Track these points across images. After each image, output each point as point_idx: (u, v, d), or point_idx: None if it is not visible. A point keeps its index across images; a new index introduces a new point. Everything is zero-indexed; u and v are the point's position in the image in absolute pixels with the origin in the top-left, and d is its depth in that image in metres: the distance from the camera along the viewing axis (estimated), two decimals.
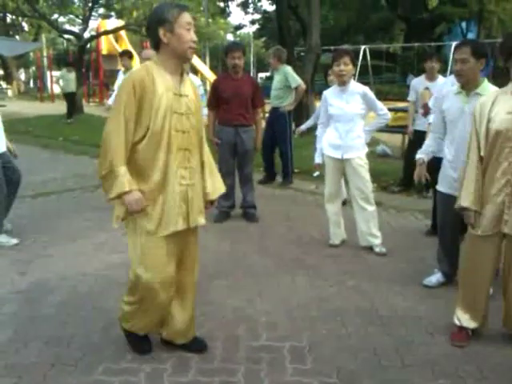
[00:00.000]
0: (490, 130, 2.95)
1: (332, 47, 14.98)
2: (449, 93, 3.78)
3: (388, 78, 22.78)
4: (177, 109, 2.69)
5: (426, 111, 6.26)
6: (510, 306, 3.13)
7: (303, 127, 6.80)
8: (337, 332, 3.27)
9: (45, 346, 3.07)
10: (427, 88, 6.21)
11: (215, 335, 3.20)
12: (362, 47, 18.50)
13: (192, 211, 2.78)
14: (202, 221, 2.88)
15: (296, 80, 7.21)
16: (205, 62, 27.38)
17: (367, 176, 4.65)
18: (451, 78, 4.60)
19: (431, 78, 6.22)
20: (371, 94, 4.65)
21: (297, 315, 3.48)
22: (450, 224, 3.80)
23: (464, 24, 29.21)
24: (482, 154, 2.99)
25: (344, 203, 5.40)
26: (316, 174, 7.09)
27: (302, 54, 19.39)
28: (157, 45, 2.68)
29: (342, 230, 4.90)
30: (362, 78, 19.13)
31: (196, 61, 25.54)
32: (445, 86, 4.50)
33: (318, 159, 4.86)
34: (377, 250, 4.65)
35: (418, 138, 6.45)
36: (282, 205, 6.38)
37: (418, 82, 6.45)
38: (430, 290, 3.89)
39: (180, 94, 2.71)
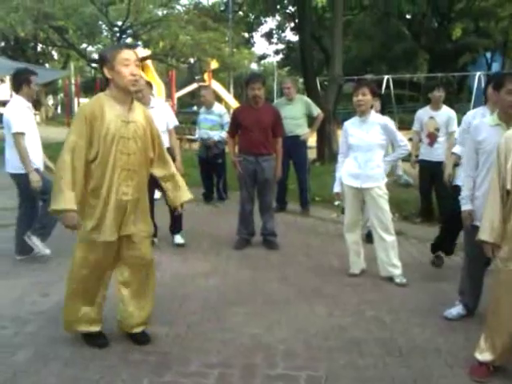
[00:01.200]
0: None
1: (355, 77, 15.07)
2: (483, 124, 3.67)
3: (411, 107, 22.76)
4: (123, 134, 3.09)
5: (432, 140, 6.33)
6: None
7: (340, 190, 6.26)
8: (354, 362, 3.24)
9: (64, 367, 3.11)
10: (432, 117, 6.28)
11: (233, 363, 3.20)
12: (386, 77, 18.56)
13: (127, 223, 3.19)
14: (143, 230, 3.30)
15: (317, 108, 7.42)
16: (229, 91, 27.74)
17: (386, 206, 4.64)
18: (481, 110, 4.59)
19: (436, 108, 6.28)
20: (392, 126, 4.69)
21: (315, 344, 3.46)
22: (478, 256, 3.72)
23: (489, 54, 29.20)
24: (508, 187, 2.98)
25: (368, 236, 5.34)
26: (337, 202, 7.09)
27: (325, 83, 19.58)
28: (106, 80, 3.13)
29: (362, 259, 4.88)
30: (386, 108, 19.18)
31: (220, 89, 25.92)
32: (475, 117, 4.48)
33: (336, 188, 4.88)
34: (397, 280, 4.62)
35: (426, 167, 6.46)
36: (303, 233, 6.38)
37: (422, 112, 6.50)
38: (449, 322, 3.83)
39: (128, 121, 3.12)
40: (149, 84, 5.45)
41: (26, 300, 4.11)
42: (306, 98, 7.57)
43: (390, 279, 4.66)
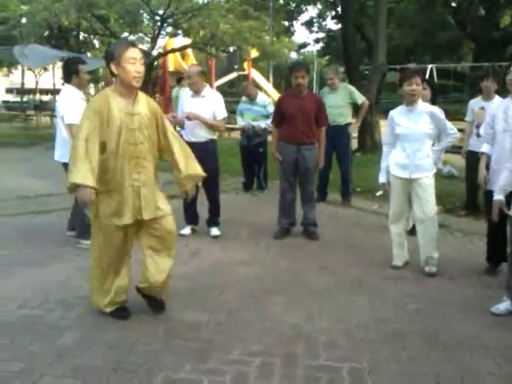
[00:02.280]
0: None
1: (397, 66, 14.79)
2: None
3: (455, 97, 22.21)
4: (129, 125, 3.29)
5: None
6: None
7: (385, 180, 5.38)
8: (398, 356, 3.18)
9: (108, 350, 3.16)
10: (482, 108, 6.05)
11: (274, 351, 3.19)
12: (429, 66, 18.18)
13: (147, 206, 3.40)
14: (158, 213, 3.47)
15: (361, 96, 7.33)
16: (268, 80, 27.65)
17: (433, 197, 4.54)
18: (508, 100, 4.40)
19: (487, 98, 6.05)
20: (440, 114, 4.56)
21: (356, 336, 3.42)
22: None
23: None
24: None
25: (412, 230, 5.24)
26: (379, 193, 6.98)
27: (366, 72, 19.25)
28: (113, 75, 3.33)
29: (406, 251, 4.79)
30: (436, 97, 18.76)
31: (260, 78, 25.85)
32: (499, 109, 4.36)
33: (382, 179, 4.79)
34: (426, 268, 4.56)
35: (473, 159, 6.28)
36: (344, 224, 6.32)
37: (474, 102, 6.33)
38: (496, 317, 3.72)
39: (132, 113, 3.32)
40: (201, 73, 5.43)
41: (71, 284, 4.19)
42: (349, 86, 7.44)
43: (436, 273, 4.56)
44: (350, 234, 5.87)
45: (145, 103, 3.44)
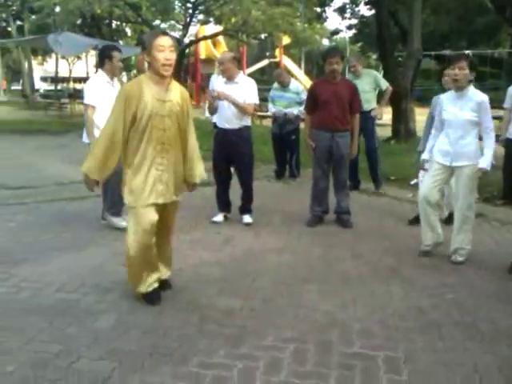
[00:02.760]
0: None
1: (432, 53, 14.47)
2: None
3: (492, 84, 21.66)
4: (159, 111, 3.39)
5: None
6: None
7: (426, 157, 4.94)
8: (434, 345, 3.13)
9: (143, 334, 3.19)
10: None
11: (307, 338, 3.17)
12: (465, 52, 17.74)
13: (168, 190, 3.52)
14: (175, 198, 3.62)
15: (385, 81, 7.35)
16: (300, 67, 27.45)
17: (472, 186, 4.44)
18: None
19: None
20: (487, 108, 4.35)
21: (392, 324, 3.38)
22: None
23: None
24: None
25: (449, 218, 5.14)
26: (413, 182, 6.86)
27: (400, 59, 18.91)
28: (148, 63, 3.45)
29: (437, 233, 4.65)
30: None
31: (291, 65, 25.68)
32: None
33: (425, 155, 4.70)
34: (453, 257, 4.51)
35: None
36: (377, 212, 6.24)
37: None
38: None
39: (164, 100, 3.42)
40: (235, 59, 5.41)
41: (106, 269, 4.25)
42: (373, 72, 7.44)
43: (470, 262, 4.48)
44: (384, 222, 5.79)
45: (178, 91, 3.53)
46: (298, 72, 25.26)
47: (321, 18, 29.92)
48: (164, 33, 3.49)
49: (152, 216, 3.49)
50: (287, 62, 25.99)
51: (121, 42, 34.79)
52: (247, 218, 5.68)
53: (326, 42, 45.10)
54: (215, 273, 4.22)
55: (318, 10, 28.73)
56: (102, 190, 5.37)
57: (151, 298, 3.61)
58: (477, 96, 4.37)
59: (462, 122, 4.37)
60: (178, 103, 3.49)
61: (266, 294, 3.83)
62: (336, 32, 38.95)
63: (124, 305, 3.60)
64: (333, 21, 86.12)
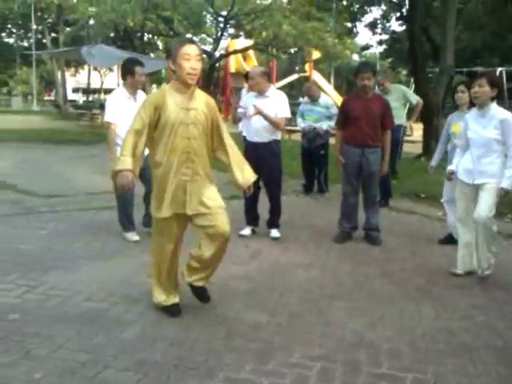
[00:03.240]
0: None
1: (464, 69, 14.33)
2: None
3: None
4: (183, 119, 3.34)
5: None
6: None
7: (434, 163, 5.70)
8: (465, 369, 3.05)
9: (169, 347, 3.19)
10: None
11: (335, 357, 3.12)
12: (498, 69, 17.51)
13: (191, 201, 3.40)
14: (202, 210, 3.43)
15: (415, 95, 7.37)
16: (329, 82, 27.43)
17: (492, 202, 4.32)
18: None
19: None
20: (510, 124, 4.26)
21: (421, 346, 3.31)
22: None
23: None
24: None
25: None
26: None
27: (430, 75, 18.74)
28: (173, 72, 3.43)
29: (473, 260, 4.57)
30: (498, 102, 18.03)
31: (321, 80, 25.68)
32: None
33: (451, 167, 4.79)
34: (478, 271, 4.50)
35: None
36: (407, 230, 6.16)
37: None
38: None
39: (188, 108, 3.37)
40: (265, 73, 5.44)
41: (134, 280, 4.27)
42: (401, 87, 7.43)
43: (503, 285, 4.37)
44: (414, 240, 5.70)
45: (203, 100, 3.48)
46: (328, 87, 25.22)
47: (351, 33, 29.94)
48: (191, 41, 3.44)
49: (173, 227, 3.49)
50: (317, 76, 25.98)
51: (152, 55, 35.36)
52: (275, 233, 5.65)
53: (356, 57, 45.01)
54: (242, 286, 4.20)
55: (349, 25, 28.79)
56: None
57: (171, 311, 3.62)
58: (500, 113, 4.31)
59: (484, 141, 4.32)
60: (204, 112, 3.43)
61: (294, 310, 3.80)
62: (366, 47, 38.90)
63: (151, 316, 3.61)
64: (363, 36, 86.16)
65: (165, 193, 3.40)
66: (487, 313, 3.85)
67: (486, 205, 4.31)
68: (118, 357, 3.05)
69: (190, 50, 3.28)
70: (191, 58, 3.27)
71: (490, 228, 4.38)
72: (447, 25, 11.34)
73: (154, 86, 43.74)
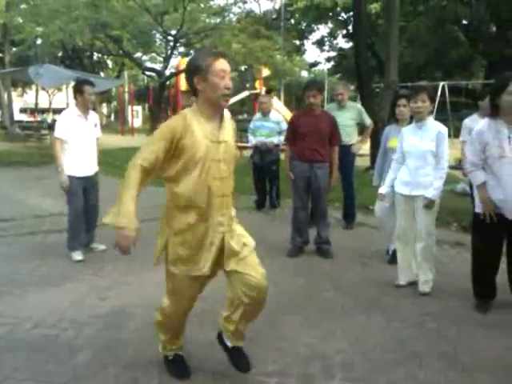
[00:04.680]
0: None
1: (409, 84, 14.79)
2: None
3: (467, 114, 22.13)
4: (214, 156, 2.70)
5: None
6: None
7: (383, 191, 4.91)
8: (415, 376, 3.14)
9: (123, 370, 3.14)
10: None
11: (289, 372, 3.15)
12: (441, 84, 18.16)
13: (231, 254, 2.80)
14: (239, 268, 2.83)
15: (369, 118, 7.15)
16: (279, 98, 27.77)
17: (434, 214, 4.49)
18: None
19: (484, 116, 5.92)
20: (445, 140, 4.42)
21: (373, 356, 3.37)
22: None
23: None
24: None
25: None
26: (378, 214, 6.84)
27: (377, 90, 19.27)
28: (195, 92, 2.73)
29: (413, 270, 4.69)
30: (440, 115, 18.69)
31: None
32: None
33: (382, 189, 4.82)
34: (420, 288, 4.53)
35: None
36: (357, 242, 6.27)
37: (471, 121, 6.05)
38: None
39: (218, 141, 2.72)
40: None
41: (84, 304, 4.19)
42: (358, 106, 7.33)
43: (450, 290, 4.51)
44: (364, 252, 5.81)
45: (230, 129, 2.87)
46: (278, 103, 25.53)
47: (300, 51, 30.55)
48: (222, 54, 2.77)
49: (196, 286, 2.90)
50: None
51: (102, 74, 35.01)
52: None
53: (305, 73, 45.82)
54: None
55: (297, 42, 29.36)
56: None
57: (174, 368, 3.12)
58: (436, 127, 4.47)
59: (421, 153, 4.43)
60: (231, 144, 2.83)
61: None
62: (315, 64, 39.73)
63: (102, 340, 3.55)
64: (312, 53, 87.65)
65: (202, 246, 2.76)
66: (438, 320, 3.96)
67: (428, 219, 4.46)
68: None
69: (225, 66, 2.69)
70: (226, 76, 2.68)
71: (433, 244, 4.54)
72: (391, 41, 11.69)
73: (104, 104, 43.24)
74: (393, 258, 5.18)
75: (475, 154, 4.02)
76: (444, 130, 4.47)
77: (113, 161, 13.38)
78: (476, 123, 5.91)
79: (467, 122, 6.16)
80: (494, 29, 26.90)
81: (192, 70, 2.70)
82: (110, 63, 37.99)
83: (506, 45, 25.59)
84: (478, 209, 4.08)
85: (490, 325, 3.87)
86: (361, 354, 3.39)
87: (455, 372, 3.18)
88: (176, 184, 2.70)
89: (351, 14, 23.64)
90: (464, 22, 26.70)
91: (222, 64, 2.67)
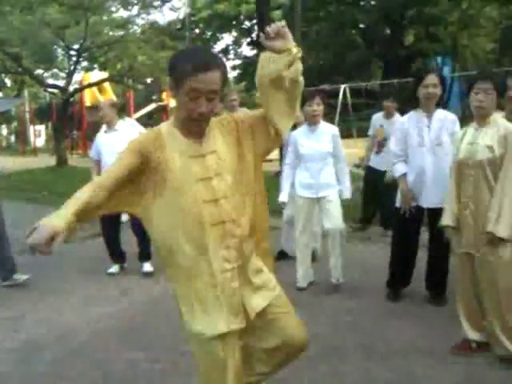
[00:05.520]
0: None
1: (312, 88, 15.25)
2: None
3: (368, 114, 23.11)
4: (199, 174, 2.06)
5: (380, 149, 6.31)
6: None
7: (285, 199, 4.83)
8: (336, 369, 3.24)
9: None
10: (382, 126, 6.31)
11: None
12: (342, 86, 18.87)
13: (251, 298, 2.15)
14: (260, 303, 2.18)
15: None
16: None
17: (340, 213, 4.64)
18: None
19: (387, 116, 6.30)
20: (339, 137, 4.69)
21: None
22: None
23: (439, 59, 29.99)
24: None
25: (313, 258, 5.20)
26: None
27: None
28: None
29: (311, 271, 4.84)
30: (344, 117, 19.43)
31: None
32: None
33: (283, 197, 4.72)
34: (333, 280, 4.66)
35: (370, 174, 6.52)
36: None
37: (376, 118, 6.52)
38: (428, 320, 3.91)
39: (202, 154, 2.08)
40: (112, 105, 5.34)
41: None
42: (245, 109, 7.51)
43: (365, 286, 4.71)
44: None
45: (218, 132, 2.15)
46: None
47: None
48: (207, 64, 1.96)
49: (220, 350, 2.09)
50: (174, 103, 26.17)
51: (0, 94, 33.31)
52: (147, 267, 5.42)
53: None
54: (116, 326, 4.09)
55: None
56: None
57: None
58: (330, 128, 4.67)
59: (321, 154, 4.56)
60: (228, 150, 2.13)
61: (170, 343, 3.74)
62: None
63: (17, 374, 3.38)
64: None
65: (206, 294, 2.08)
66: (353, 314, 4.11)
67: (336, 215, 4.60)
68: None
69: (203, 84, 1.95)
70: (201, 96, 1.96)
71: (343, 239, 4.72)
72: None
73: (4, 125, 41.13)
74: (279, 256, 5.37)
75: (397, 144, 4.28)
76: (337, 131, 4.68)
77: (19, 184, 12.78)
78: (380, 121, 6.32)
79: (374, 118, 6.62)
80: (388, 32, 28.40)
81: (168, 71, 2.06)
82: (8, 82, 36.24)
83: (399, 46, 27.11)
84: (398, 202, 4.29)
85: (403, 315, 4.07)
86: None
87: (374, 362, 3.32)
88: (159, 219, 2.08)
89: (255, 21, 24.14)
90: (361, 25, 28.01)
91: (199, 81, 1.94)
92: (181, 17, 28.28)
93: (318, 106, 4.52)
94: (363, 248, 6.10)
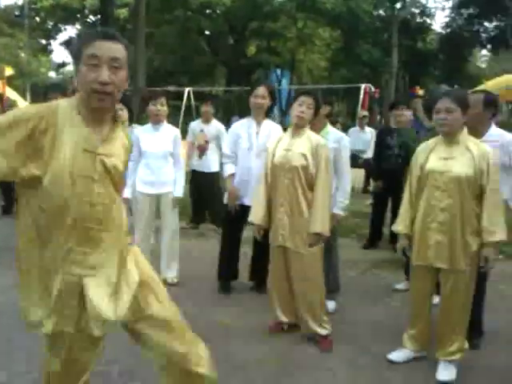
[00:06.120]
0: None
1: (158, 88, 15.44)
2: None
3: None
4: (84, 171, 1.88)
5: (201, 151, 6.75)
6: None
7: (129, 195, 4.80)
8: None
9: None
10: (202, 130, 6.74)
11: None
12: (187, 89, 19.25)
13: (93, 313, 1.91)
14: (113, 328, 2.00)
15: None
16: (25, 99, 26.17)
17: (175, 210, 4.91)
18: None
19: (206, 121, 6.76)
20: (180, 142, 4.92)
21: None
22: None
23: (279, 71, 31.88)
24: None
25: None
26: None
27: (127, 93, 19.54)
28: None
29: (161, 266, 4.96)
30: (187, 119, 19.81)
31: (16, 97, 24.29)
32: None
33: (126, 193, 4.56)
34: (168, 279, 4.86)
35: (196, 177, 6.92)
36: None
37: (195, 124, 6.96)
38: (247, 306, 4.37)
39: (96, 153, 1.90)
40: None
41: None
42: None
43: (195, 278, 5.03)
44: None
45: (121, 142, 2.03)
46: (24, 104, 24.05)
47: (46, 51, 29.13)
48: (107, 33, 1.88)
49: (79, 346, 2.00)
50: (11, 93, 24.54)
51: None
52: None
53: (53, 74, 43.69)
54: None
55: (44, 42, 27.96)
56: None
57: None
58: (172, 130, 4.85)
59: (163, 153, 4.76)
60: (121, 157, 2.02)
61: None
62: (63, 65, 38.24)
63: None
64: (60, 53, 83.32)
65: (46, 291, 1.92)
66: (184, 304, 4.32)
67: (174, 215, 4.90)
68: None
69: (102, 50, 1.83)
70: (102, 64, 1.83)
71: (178, 237, 4.97)
72: (137, 48, 12.08)
73: None
74: None
75: (229, 147, 4.66)
76: (179, 133, 4.94)
77: None
78: (200, 126, 6.71)
79: (193, 125, 7.07)
80: (232, 41, 29.55)
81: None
82: None
83: (242, 55, 28.38)
84: (226, 200, 4.67)
85: (231, 303, 4.47)
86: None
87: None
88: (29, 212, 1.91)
89: (100, 17, 23.59)
90: (207, 32, 28.75)
91: (97, 47, 1.83)
92: (19, 3, 26.61)
93: (161, 106, 4.68)
94: (197, 243, 6.45)
